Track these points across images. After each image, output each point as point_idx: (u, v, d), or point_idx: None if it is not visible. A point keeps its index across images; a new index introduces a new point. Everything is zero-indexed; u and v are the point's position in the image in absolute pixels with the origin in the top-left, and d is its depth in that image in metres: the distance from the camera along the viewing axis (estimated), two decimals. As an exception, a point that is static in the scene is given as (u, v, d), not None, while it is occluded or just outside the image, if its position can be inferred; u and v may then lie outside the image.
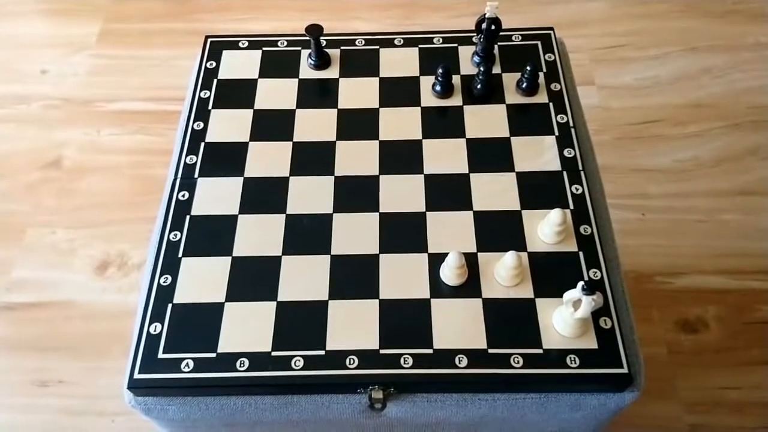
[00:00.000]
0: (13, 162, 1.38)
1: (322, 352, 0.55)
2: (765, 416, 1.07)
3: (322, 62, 0.74)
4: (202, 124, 0.70)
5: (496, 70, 0.73)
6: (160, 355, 0.55)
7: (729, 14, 1.59)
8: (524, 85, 0.70)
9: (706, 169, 1.34)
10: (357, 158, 0.67)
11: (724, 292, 1.18)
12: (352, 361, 0.55)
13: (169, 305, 0.58)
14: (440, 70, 0.70)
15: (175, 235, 0.62)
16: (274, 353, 0.55)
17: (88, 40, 1.60)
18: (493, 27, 0.68)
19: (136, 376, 0.54)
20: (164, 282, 0.59)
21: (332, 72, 0.74)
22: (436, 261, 0.60)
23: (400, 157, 0.67)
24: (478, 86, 0.71)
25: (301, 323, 0.57)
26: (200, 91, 0.73)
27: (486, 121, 0.69)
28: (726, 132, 1.39)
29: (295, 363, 0.55)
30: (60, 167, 1.36)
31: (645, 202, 1.30)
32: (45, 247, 1.24)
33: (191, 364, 0.54)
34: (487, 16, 0.67)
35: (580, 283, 0.52)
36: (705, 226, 1.26)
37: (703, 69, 1.49)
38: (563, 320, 0.55)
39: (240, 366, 0.54)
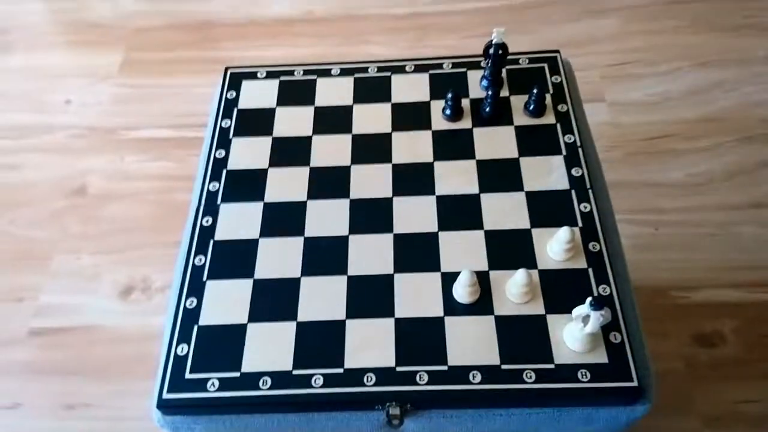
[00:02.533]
0: (39, 190, 1.42)
1: (341, 370, 0.57)
2: (786, 429, 1.06)
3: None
4: (223, 152, 0.73)
5: (504, 93, 0.75)
6: (188, 375, 0.58)
7: (739, 28, 1.61)
8: (531, 107, 0.72)
9: (718, 182, 1.34)
10: (371, 181, 0.70)
11: (740, 305, 1.19)
12: (369, 379, 0.57)
13: (195, 327, 0.60)
14: (449, 95, 0.72)
15: (200, 259, 0.65)
16: (294, 372, 0.57)
17: (110, 69, 1.66)
18: (500, 52, 0.71)
19: (165, 395, 0.57)
20: (190, 305, 0.62)
21: (346, 99, 0.77)
22: (449, 279, 0.62)
23: (413, 179, 0.70)
24: (487, 109, 0.73)
25: (320, 342, 0.59)
26: (221, 120, 0.76)
27: (495, 142, 0.72)
28: (738, 145, 1.39)
29: (315, 381, 0.57)
30: (85, 194, 1.41)
31: (658, 217, 1.31)
32: (71, 273, 1.28)
33: (216, 383, 0.57)
34: (494, 41, 0.70)
35: (589, 299, 0.54)
36: (719, 240, 1.27)
37: (714, 83, 1.50)
38: (573, 336, 0.57)
39: (263, 385, 0.57)
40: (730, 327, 1.17)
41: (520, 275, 0.59)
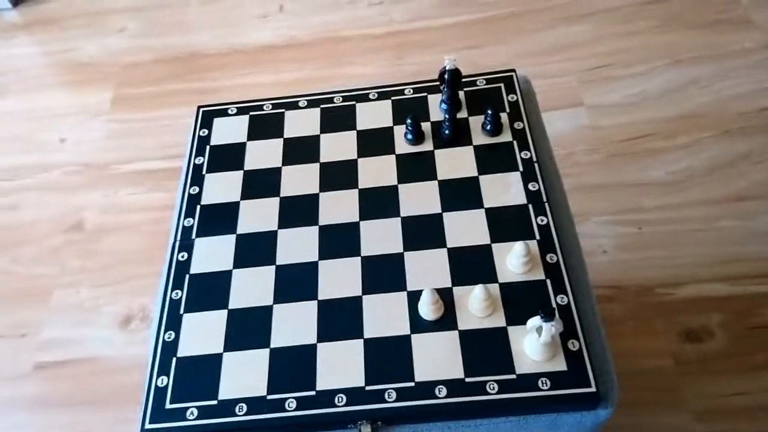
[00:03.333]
0: (37, 228, 1.47)
1: (313, 393, 0.60)
2: (776, 419, 1.08)
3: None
4: (197, 188, 0.77)
5: (463, 114, 0.78)
6: (168, 406, 0.61)
7: (713, 24, 1.63)
8: (489, 126, 0.75)
9: (699, 178, 1.36)
10: (339, 207, 0.73)
11: (725, 299, 1.20)
12: (340, 399, 0.60)
13: (174, 359, 0.64)
14: (409, 120, 0.75)
15: (177, 293, 0.68)
16: (269, 397, 0.60)
17: (102, 106, 1.71)
18: (454, 77, 0.74)
19: (147, 426, 0.60)
20: (168, 338, 0.65)
21: (314, 129, 0.81)
22: (414, 298, 0.65)
23: (378, 203, 0.73)
24: (446, 131, 0.76)
25: (292, 367, 0.62)
26: (195, 157, 0.79)
27: (455, 162, 0.75)
28: (717, 140, 1.41)
29: (288, 404, 0.60)
30: (82, 230, 1.45)
31: (641, 216, 1.33)
32: (71, 307, 1.32)
33: (195, 412, 0.60)
34: (447, 68, 0.73)
35: (539, 312, 0.56)
36: (702, 235, 1.29)
37: (690, 80, 1.53)
38: (532, 346, 0.60)
39: (239, 411, 0.60)
40: (717, 321, 1.18)
41: (478, 290, 0.62)
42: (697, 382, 1.13)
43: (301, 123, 0.81)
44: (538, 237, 0.68)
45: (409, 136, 0.76)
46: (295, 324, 0.65)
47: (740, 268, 1.23)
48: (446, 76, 0.73)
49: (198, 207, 0.75)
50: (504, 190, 0.72)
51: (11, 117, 1.72)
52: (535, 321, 0.58)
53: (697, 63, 1.55)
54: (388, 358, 0.62)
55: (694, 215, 1.32)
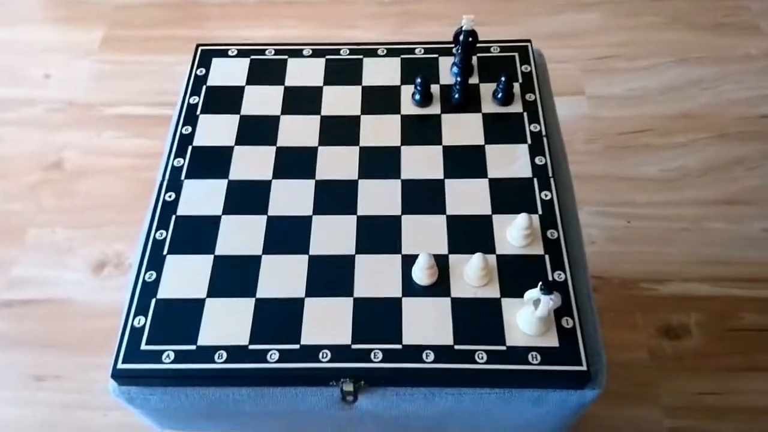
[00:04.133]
0: (16, 163, 1.42)
1: (297, 347, 0.58)
2: (744, 422, 1.09)
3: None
4: (190, 129, 0.73)
5: (474, 80, 0.76)
6: (143, 347, 0.58)
7: (719, 27, 1.62)
8: (499, 95, 0.73)
9: (692, 178, 1.36)
10: (337, 163, 0.70)
11: (707, 299, 1.21)
12: (324, 355, 0.58)
13: (153, 300, 0.61)
14: (419, 81, 0.73)
15: (161, 233, 0.65)
16: (251, 347, 0.58)
17: (91, 46, 1.64)
18: (470, 39, 0.71)
19: (120, 366, 0.57)
20: (149, 278, 0.62)
21: (317, 80, 0.77)
22: (409, 262, 0.63)
23: (379, 163, 0.70)
24: (456, 96, 0.74)
25: (277, 319, 0.60)
26: (189, 96, 0.76)
27: (462, 129, 0.72)
28: (713, 142, 1.41)
29: (270, 356, 0.58)
30: (61, 169, 1.40)
31: (631, 210, 1.32)
32: (45, 247, 1.28)
33: (172, 355, 0.58)
34: (463, 28, 0.70)
35: (539, 284, 0.55)
36: (690, 234, 1.29)
37: (693, 80, 1.52)
38: (526, 319, 0.58)
39: (218, 358, 0.57)
40: (696, 320, 1.19)
41: (476, 259, 0.60)
42: (670, 378, 1.14)
43: (304, 72, 0.78)
44: (540, 212, 0.66)
45: (417, 97, 0.74)
46: (283, 277, 0.62)
47: (724, 271, 1.24)
48: (461, 37, 0.71)
49: (189, 148, 0.72)
50: (510, 161, 0.70)
51: (-5, 47, 1.65)
52: (533, 293, 0.56)
53: (701, 64, 1.54)
54: (377, 318, 0.60)
55: (684, 214, 1.32)
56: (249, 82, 0.77)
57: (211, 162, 0.70)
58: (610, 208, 1.33)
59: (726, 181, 1.35)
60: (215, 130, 0.73)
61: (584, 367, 0.57)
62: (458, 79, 0.73)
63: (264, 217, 0.66)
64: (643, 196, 1.34)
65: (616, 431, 1.09)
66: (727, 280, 1.23)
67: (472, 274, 0.61)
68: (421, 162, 0.70)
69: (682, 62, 1.54)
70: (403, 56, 0.79)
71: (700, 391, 1.12)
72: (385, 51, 0.80)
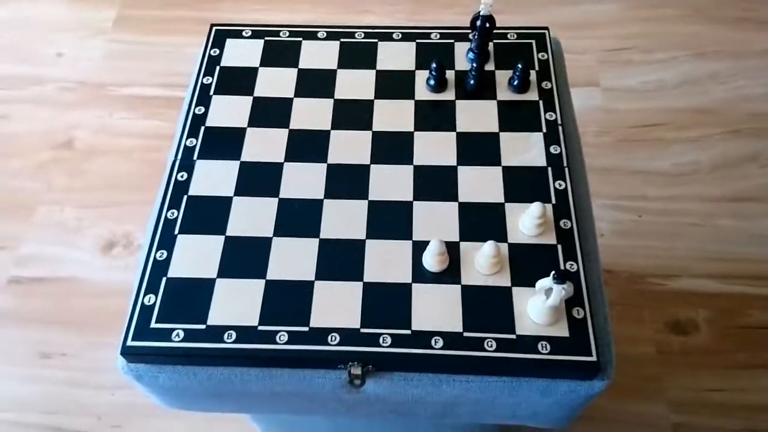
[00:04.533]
0: (26, 141, 1.42)
1: (306, 329, 0.58)
2: (749, 419, 1.08)
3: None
4: (203, 109, 0.73)
5: (490, 66, 0.75)
6: (153, 325, 0.58)
7: (738, 21, 1.60)
8: (515, 82, 0.72)
9: (704, 173, 1.35)
10: (350, 147, 0.70)
11: (715, 295, 1.20)
12: (333, 338, 0.58)
13: (164, 278, 0.61)
14: (434, 66, 0.72)
15: (173, 213, 0.65)
16: (260, 327, 0.58)
17: (104, 25, 1.64)
18: (487, 25, 0.70)
19: (129, 343, 0.57)
20: (160, 257, 0.62)
21: (331, 63, 0.77)
22: (419, 248, 0.63)
23: (392, 148, 0.70)
24: (471, 82, 0.73)
25: (287, 301, 0.60)
26: (203, 77, 0.76)
27: (476, 115, 0.72)
28: (727, 138, 1.40)
29: (279, 337, 0.58)
30: (72, 148, 1.41)
31: (642, 204, 1.31)
32: (53, 225, 1.28)
33: (182, 334, 0.58)
34: (481, 13, 0.69)
35: (552, 273, 0.54)
36: (700, 230, 1.28)
37: (709, 74, 1.50)
38: (536, 308, 0.58)
39: (227, 338, 0.57)
40: (704, 316, 1.18)
41: (488, 247, 0.59)
42: (677, 374, 1.14)
43: (318, 55, 0.77)
44: (554, 201, 0.65)
45: (432, 83, 0.73)
46: (293, 259, 0.62)
47: (733, 267, 1.23)
48: (479, 23, 0.70)
49: (202, 128, 0.71)
50: (524, 149, 0.69)
51: (8, 25, 1.65)
52: (545, 282, 0.56)
53: (718, 58, 1.53)
54: (387, 303, 0.60)
55: (694, 210, 1.31)
56: (263, 63, 0.77)
57: (224, 143, 0.70)
58: (620, 201, 1.32)
59: (738, 177, 1.34)
60: (228, 110, 0.72)
61: (594, 358, 0.57)
62: (474, 65, 0.72)
63: (275, 200, 0.66)
64: (654, 190, 1.33)
65: (622, 425, 1.09)
66: (736, 278, 1.22)
67: (483, 262, 0.61)
68: (434, 148, 0.70)
69: (698, 56, 1.53)
70: (418, 41, 0.78)
71: (706, 388, 1.11)
72: (400, 35, 0.79)
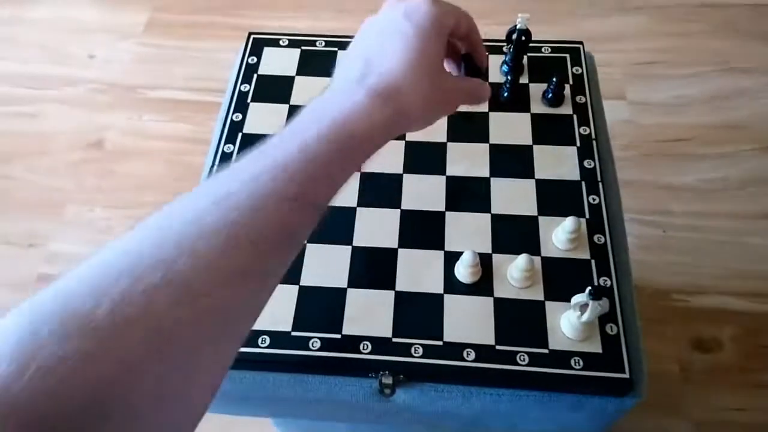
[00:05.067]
0: (58, 141, 1.44)
1: (338, 336, 0.59)
2: (773, 440, 1.07)
3: None
4: (240, 116, 0.74)
5: (524, 80, 0.75)
6: (188, 328, 0.59)
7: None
8: (549, 95, 0.73)
9: (732, 190, 1.34)
10: (383, 157, 0.70)
11: (740, 314, 1.19)
12: (365, 347, 0.58)
13: (199, 282, 0.62)
14: (469, 77, 0.72)
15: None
16: (293, 333, 0.59)
17: (135, 29, 1.67)
18: (523, 38, 0.71)
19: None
20: (196, 260, 0.63)
21: (366, 73, 0.77)
22: (451, 259, 0.63)
23: (425, 158, 0.70)
24: (505, 94, 0.73)
25: (320, 307, 0.60)
26: (241, 84, 0.77)
27: (510, 128, 0.72)
28: (756, 155, 1.39)
29: (312, 344, 0.58)
30: (102, 149, 1.43)
31: (668, 219, 1.31)
32: (83, 224, 1.31)
33: (216, 338, 0.58)
34: (518, 27, 0.70)
35: (588, 288, 0.54)
36: (727, 248, 1.27)
37: (737, 90, 1.49)
38: (570, 323, 0.58)
39: (261, 342, 0.58)
40: (729, 335, 1.17)
41: (522, 260, 0.60)
42: (700, 392, 1.12)
43: (354, 65, 0.78)
44: (587, 216, 0.65)
45: (466, 94, 0.73)
46: (326, 266, 0.63)
47: (760, 286, 1.22)
48: (515, 36, 0.70)
49: (240, 135, 0.72)
50: (558, 163, 0.69)
51: (43, 26, 1.68)
52: (580, 298, 0.55)
53: (747, 74, 1.52)
54: (419, 313, 0.60)
55: (721, 227, 1.30)
56: (299, 72, 0.78)
57: (260, 149, 0.71)
58: (645, 216, 1.31)
59: (766, 195, 1.33)
60: (265, 118, 0.73)
61: (627, 375, 0.57)
62: (508, 77, 0.72)
63: (309, 207, 0.67)
64: (680, 206, 1.33)
65: (643, 442, 1.08)
66: (762, 296, 1.21)
67: (516, 275, 0.61)
68: (467, 159, 0.70)
69: (727, 71, 1.52)
70: (453, 53, 0.79)
71: (729, 407, 1.10)
72: (435, 47, 0.79)
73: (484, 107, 0.74)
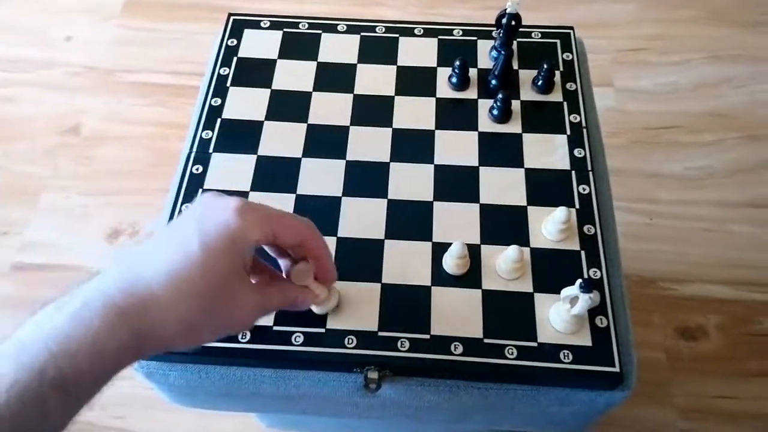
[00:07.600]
0: (33, 125, 1.40)
1: (323, 330, 0.57)
2: (758, 428, 1.07)
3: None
4: (219, 101, 0.71)
5: (514, 66, 0.73)
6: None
7: (756, 25, 1.58)
8: (540, 82, 0.71)
9: (718, 178, 1.33)
10: (369, 144, 0.68)
11: (727, 302, 1.19)
12: (350, 341, 0.56)
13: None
14: (457, 63, 0.70)
15: (187, 206, 0.63)
16: (275, 328, 0.57)
17: (113, 10, 1.62)
18: (513, 23, 0.69)
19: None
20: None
21: (351, 57, 0.75)
22: (439, 250, 0.61)
23: (412, 146, 0.68)
24: (494, 81, 0.71)
25: (303, 301, 0.58)
26: (220, 67, 0.74)
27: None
28: (742, 143, 1.38)
29: (295, 339, 0.56)
30: (79, 134, 1.39)
31: (654, 207, 1.30)
32: (59, 211, 1.27)
33: (195, 333, 0.56)
34: (507, 11, 0.68)
35: (579, 281, 0.53)
36: (713, 236, 1.26)
37: (724, 78, 1.48)
38: (560, 316, 0.56)
39: (242, 338, 0.56)
40: (715, 323, 1.17)
41: (511, 251, 0.58)
42: (685, 380, 1.12)
43: (338, 48, 0.76)
44: (577, 206, 0.64)
45: (454, 80, 0.71)
46: (310, 257, 0.61)
47: (746, 274, 1.22)
48: (504, 21, 0.68)
49: (218, 120, 0.70)
50: (548, 152, 0.67)
51: (18, 6, 1.62)
52: (570, 290, 0.54)
53: (734, 62, 1.51)
54: (405, 306, 0.58)
55: (707, 215, 1.29)
56: (281, 55, 0.75)
57: (240, 136, 0.68)
58: (632, 204, 1.30)
59: (753, 183, 1.32)
60: (245, 103, 0.71)
61: (617, 369, 0.55)
62: (498, 63, 0.70)
63: (293, 196, 0.64)
64: (667, 194, 1.32)
65: (629, 430, 1.08)
66: (748, 284, 1.21)
67: (505, 267, 0.59)
68: (456, 147, 0.68)
69: (715, 59, 1.51)
70: (440, 37, 0.77)
71: (714, 395, 1.10)
72: (422, 31, 0.77)
73: (473, 94, 0.72)
